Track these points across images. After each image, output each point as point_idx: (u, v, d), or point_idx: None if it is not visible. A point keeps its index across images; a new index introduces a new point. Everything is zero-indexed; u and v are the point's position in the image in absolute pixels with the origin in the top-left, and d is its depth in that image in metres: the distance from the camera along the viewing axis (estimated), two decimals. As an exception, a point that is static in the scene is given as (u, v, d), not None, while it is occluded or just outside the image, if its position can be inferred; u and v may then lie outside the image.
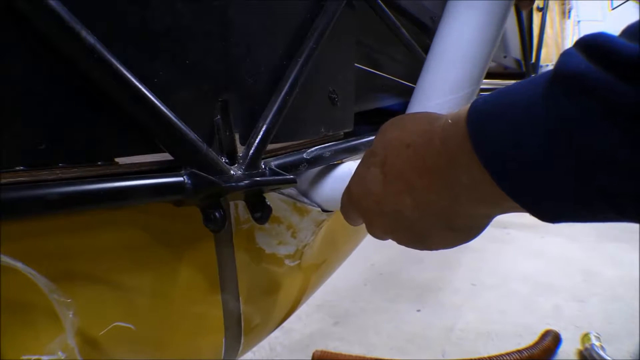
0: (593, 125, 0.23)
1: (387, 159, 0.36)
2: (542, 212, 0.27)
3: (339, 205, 0.44)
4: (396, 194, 0.35)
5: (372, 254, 1.77)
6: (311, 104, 0.49)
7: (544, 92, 0.25)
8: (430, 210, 0.33)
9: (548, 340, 1.16)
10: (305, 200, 0.52)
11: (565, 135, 0.24)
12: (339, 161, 0.53)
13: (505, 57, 1.45)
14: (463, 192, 0.31)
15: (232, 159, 0.39)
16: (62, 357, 0.32)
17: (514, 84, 0.28)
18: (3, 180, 0.27)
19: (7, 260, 0.28)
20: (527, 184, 0.26)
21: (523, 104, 0.26)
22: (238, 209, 0.45)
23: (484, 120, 0.28)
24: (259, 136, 0.40)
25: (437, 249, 0.37)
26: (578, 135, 0.23)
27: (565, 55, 0.24)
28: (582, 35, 0.25)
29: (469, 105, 0.29)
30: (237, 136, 0.40)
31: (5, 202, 0.26)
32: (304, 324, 1.33)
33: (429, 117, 0.35)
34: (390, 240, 0.40)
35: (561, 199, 0.26)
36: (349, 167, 0.51)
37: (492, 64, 1.43)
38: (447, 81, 0.47)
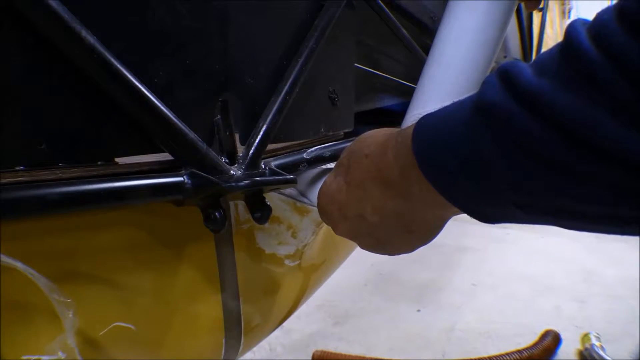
0: (500, 152, 0.26)
1: (349, 169, 0.39)
2: (478, 216, 0.31)
3: None
4: (357, 201, 0.37)
5: (372, 254, 1.77)
6: (311, 104, 0.49)
7: (467, 119, 0.28)
8: (388, 216, 0.36)
9: (548, 340, 1.16)
10: (305, 200, 0.51)
11: (482, 158, 0.27)
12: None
13: (505, 57, 1.45)
14: (415, 199, 0.34)
15: (232, 159, 0.39)
16: (62, 357, 0.32)
17: (452, 103, 0.30)
18: (3, 180, 0.27)
19: (7, 260, 0.28)
20: (462, 196, 0.30)
21: (451, 129, 0.29)
22: (238, 209, 0.45)
23: (424, 139, 0.30)
24: (259, 136, 0.40)
25: (397, 253, 0.40)
26: (492, 160, 0.26)
27: (484, 84, 0.27)
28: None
29: (416, 122, 0.32)
30: (237, 136, 0.40)
31: (5, 202, 0.26)
32: (304, 324, 1.33)
33: (386, 131, 0.38)
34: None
35: (489, 210, 0.30)
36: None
37: (493, 65, 1.43)
38: (446, 85, 0.47)
